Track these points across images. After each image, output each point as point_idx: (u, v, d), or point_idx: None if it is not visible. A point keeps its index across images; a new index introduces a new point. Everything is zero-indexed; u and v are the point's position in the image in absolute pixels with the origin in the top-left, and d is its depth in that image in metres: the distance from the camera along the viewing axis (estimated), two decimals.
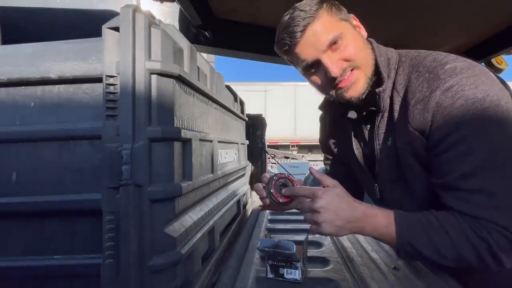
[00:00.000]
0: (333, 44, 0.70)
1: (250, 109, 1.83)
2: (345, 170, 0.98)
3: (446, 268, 0.79)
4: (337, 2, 0.74)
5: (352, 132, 0.87)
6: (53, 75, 0.62)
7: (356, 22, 0.77)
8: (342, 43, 0.70)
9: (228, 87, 1.27)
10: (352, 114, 0.85)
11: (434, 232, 0.63)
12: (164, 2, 1.22)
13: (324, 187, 0.70)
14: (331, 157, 1.08)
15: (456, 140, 0.63)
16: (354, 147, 0.87)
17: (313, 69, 0.74)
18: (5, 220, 0.63)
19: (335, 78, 0.71)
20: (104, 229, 0.57)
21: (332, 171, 1.08)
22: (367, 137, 0.84)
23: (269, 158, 2.50)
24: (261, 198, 0.82)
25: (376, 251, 0.95)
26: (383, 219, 0.67)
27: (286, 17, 0.72)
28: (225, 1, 1.26)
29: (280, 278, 0.75)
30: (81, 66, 0.62)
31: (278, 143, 10.36)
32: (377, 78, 0.75)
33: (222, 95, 1.07)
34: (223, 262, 0.90)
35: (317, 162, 9.26)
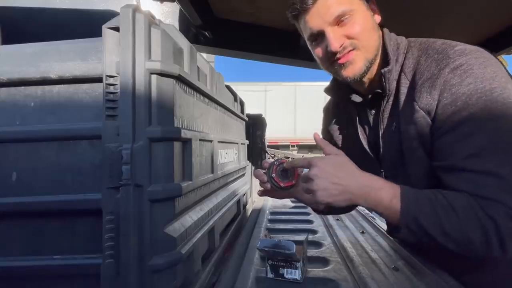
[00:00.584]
0: (341, 18, 0.69)
1: (250, 109, 1.83)
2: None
3: (446, 266, 0.79)
4: None
5: (357, 117, 0.86)
6: (53, 75, 0.62)
7: (373, 6, 0.76)
8: (350, 20, 0.70)
9: (228, 87, 1.27)
10: (357, 98, 0.84)
11: (441, 208, 0.61)
12: (164, 2, 1.22)
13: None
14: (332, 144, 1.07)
15: (463, 119, 0.62)
16: (359, 131, 0.86)
17: (318, 40, 0.74)
18: (5, 220, 0.63)
19: (334, 53, 0.71)
20: (104, 229, 0.57)
21: None
22: (371, 122, 0.83)
23: (269, 158, 2.50)
24: (261, 183, 0.80)
25: (376, 251, 0.95)
26: (388, 192, 0.65)
27: None
28: (225, 1, 1.26)
29: (280, 278, 0.75)
30: (81, 66, 0.62)
31: (278, 143, 10.35)
32: (384, 61, 0.75)
33: (222, 95, 1.07)
34: (223, 262, 0.90)
35: None
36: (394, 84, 0.74)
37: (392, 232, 1.05)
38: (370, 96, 0.81)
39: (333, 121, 1.00)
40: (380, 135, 0.78)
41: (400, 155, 0.74)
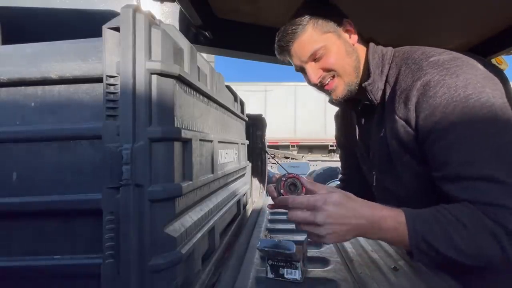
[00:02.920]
0: (315, 55, 0.80)
1: (250, 109, 1.83)
2: (357, 163, 1.03)
3: (446, 268, 0.79)
4: (328, 13, 0.82)
5: (356, 122, 0.95)
6: (53, 75, 0.62)
7: (348, 27, 0.83)
8: (323, 54, 0.79)
9: (228, 87, 1.27)
10: (352, 106, 0.95)
11: (448, 224, 0.60)
12: (164, 2, 1.22)
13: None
14: (343, 151, 1.17)
15: (444, 129, 0.63)
16: (358, 136, 0.95)
17: (303, 72, 0.86)
18: (5, 220, 0.63)
19: (315, 84, 0.83)
20: (104, 229, 0.57)
21: (345, 165, 1.17)
22: (366, 128, 0.91)
23: (269, 158, 2.50)
24: (273, 199, 0.80)
25: (376, 251, 0.95)
26: (392, 220, 0.63)
27: (282, 28, 0.84)
28: (225, 1, 1.26)
29: (280, 278, 0.75)
30: (81, 66, 0.62)
31: (278, 143, 10.35)
32: (368, 75, 0.81)
33: (222, 95, 1.07)
34: (223, 262, 0.90)
35: (317, 162, 9.24)
36: (379, 93, 0.80)
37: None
38: (359, 107, 0.92)
39: (341, 126, 1.12)
40: (371, 140, 0.85)
41: (388, 159, 0.79)
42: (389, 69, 0.79)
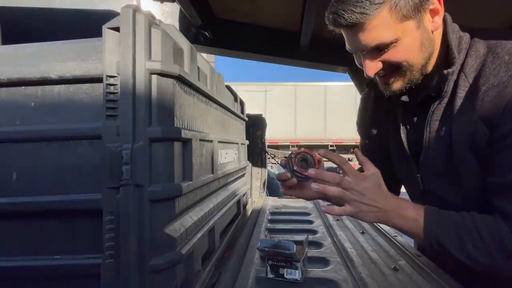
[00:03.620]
0: (381, 46, 0.63)
1: (250, 109, 1.83)
2: (383, 158, 0.87)
3: (447, 268, 0.79)
4: None
5: (403, 117, 0.79)
6: (53, 75, 0.62)
7: (436, 4, 0.63)
8: (391, 48, 0.63)
9: (228, 87, 1.27)
10: (404, 97, 0.77)
11: (466, 233, 0.59)
12: (164, 2, 1.23)
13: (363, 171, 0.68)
14: (367, 141, 0.98)
15: None
16: (402, 131, 0.78)
17: (356, 54, 0.69)
18: (5, 220, 0.63)
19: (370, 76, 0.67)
20: (104, 229, 0.57)
21: (368, 157, 1.02)
22: (415, 123, 0.77)
23: (269, 158, 2.50)
24: (285, 181, 0.77)
25: (376, 251, 0.96)
26: (413, 211, 0.64)
27: None
28: (225, 1, 1.26)
29: (280, 278, 0.75)
30: (81, 66, 0.62)
31: (278, 143, 10.35)
32: (444, 58, 0.67)
33: (222, 95, 1.07)
34: (223, 262, 0.90)
35: None
36: (451, 85, 0.66)
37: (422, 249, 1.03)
38: (420, 98, 0.73)
39: (372, 113, 0.92)
40: (425, 138, 0.71)
41: (447, 163, 0.67)
42: (465, 57, 0.64)
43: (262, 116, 2.15)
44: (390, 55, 0.63)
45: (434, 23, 0.64)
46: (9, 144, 0.63)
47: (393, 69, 0.66)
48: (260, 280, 0.76)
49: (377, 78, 0.70)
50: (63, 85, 0.63)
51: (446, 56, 0.65)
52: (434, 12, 0.64)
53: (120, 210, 0.56)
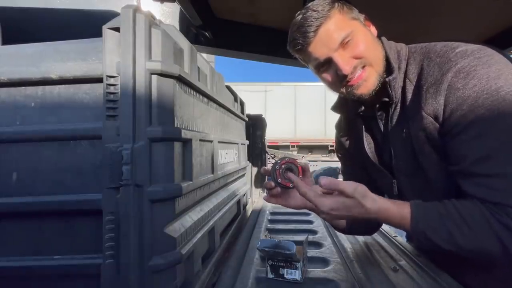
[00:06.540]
0: (344, 42, 0.70)
1: (250, 109, 1.83)
2: (362, 171, 0.94)
3: (447, 267, 0.79)
4: (348, 2, 0.75)
5: (364, 129, 0.86)
6: (53, 75, 0.62)
7: (366, 21, 0.77)
8: (352, 41, 0.71)
9: (228, 87, 1.27)
10: (365, 111, 0.84)
11: (452, 223, 0.61)
12: (164, 2, 1.22)
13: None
14: (348, 165, 1.03)
15: (469, 122, 0.61)
16: (365, 144, 0.85)
17: (325, 67, 0.75)
18: (5, 220, 0.63)
19: (346, 76, 0.72)
20: (104, 229, 0.57)
21: (349, 173, 1.03)
22: (383, 132, 0.82)
23: (269, 159, 2.50)
24: (270, 189, 0.80)
25: (376, 251, 0.96)
26: (395, 211, 0.65)
27: (299, 17, 0.73)
28: (225, 1, 1.26)
29: (280, 278, 0.75)
30: (81, 66, 0.62)
31: (278, 144, 10.35)
32: (387, 70, 0.75)
33: (222, 95, 1.07)
34: (223, 262, 0.90)
35: (317, 162, 9.24)
36: (399, 91, 0.74)
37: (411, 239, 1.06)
38: (377, 105, 0.80)
39: (346, 136, 0.99)
40: (391, 143, 0.78)
41: (414, 160, 0.73)
42: (406, 66, 0.74)
43: (262, 116, 2.15)
44: (354, 48, 0.71)
45: (372, 28, 0.77)
46: (9, 144, 0.63)
47: (363, 65, 0.73)
48: (260, 280, 0.76)
49: (347, 89, 0.75)
50: (63, 85, 0.64)
51: (388, 67, 0.75)
52: (368, 25, 0.77)
53: (120, 210, 0.56)
